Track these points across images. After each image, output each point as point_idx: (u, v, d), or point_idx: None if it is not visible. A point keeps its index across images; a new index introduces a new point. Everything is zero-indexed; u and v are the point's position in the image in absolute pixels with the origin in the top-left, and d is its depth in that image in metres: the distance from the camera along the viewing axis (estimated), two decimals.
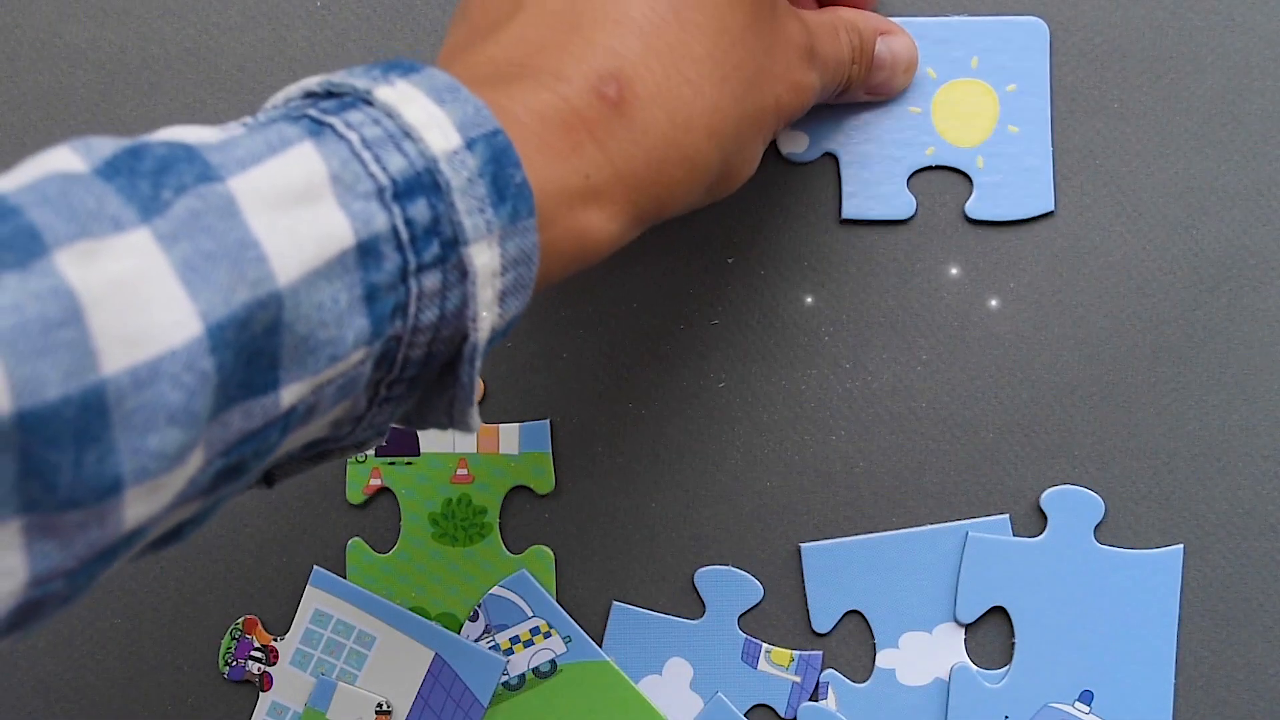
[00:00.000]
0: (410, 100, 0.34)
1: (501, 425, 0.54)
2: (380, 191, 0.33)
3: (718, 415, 0.53)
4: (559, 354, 0.53)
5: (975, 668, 0.53)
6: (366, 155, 0.33)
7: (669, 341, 0.53)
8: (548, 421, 0.54)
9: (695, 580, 0.53)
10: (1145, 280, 0.53)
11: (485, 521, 0.53)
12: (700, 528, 0.53)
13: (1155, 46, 0.53)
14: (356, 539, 0.54)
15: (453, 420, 0.37)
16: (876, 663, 0.53)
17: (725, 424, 0.53)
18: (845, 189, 0.53)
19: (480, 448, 0.54)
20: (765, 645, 0.53)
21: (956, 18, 0.53)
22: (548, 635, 0.53)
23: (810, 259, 0.53)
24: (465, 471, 0.54)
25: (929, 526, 0.53)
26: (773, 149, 0.54)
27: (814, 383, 0.53)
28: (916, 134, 0.53)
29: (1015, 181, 0.53)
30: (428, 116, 0.34)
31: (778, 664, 0.53)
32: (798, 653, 0.53)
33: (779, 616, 0.53)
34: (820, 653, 0.53)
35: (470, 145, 0.34)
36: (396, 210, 0.33)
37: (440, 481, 0.54)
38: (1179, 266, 0.53)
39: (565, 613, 0.53)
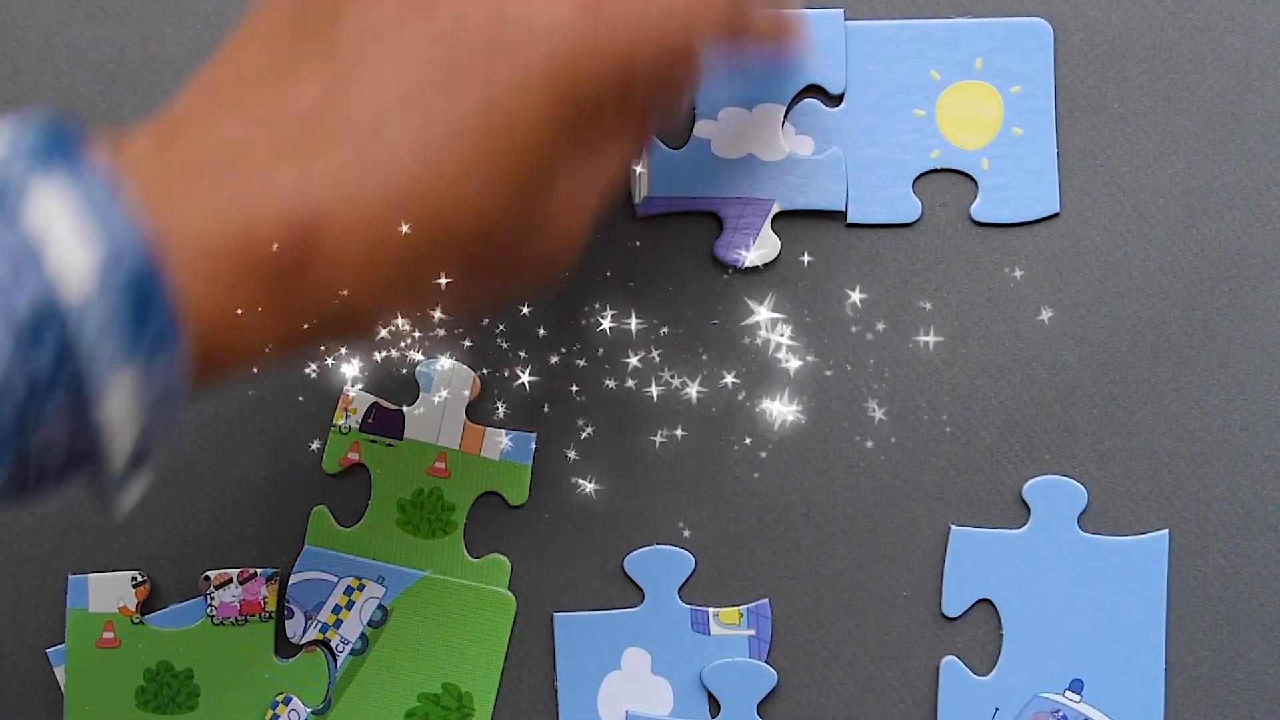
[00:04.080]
0: (55, 217, 0.32)
1: (488, 429, 0.53)
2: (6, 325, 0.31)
3: (718, 416, 0.53)
4: (555, 357, 0.53)
5: (962, 663, 0.52)
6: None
7: (670, 342, 0.53)
8: (534, 436, 0.53)
9: (625, 567, 0.53)
10: (1145, 280, 0.53)
11: (451, 519, 0.53)
12: (699, 528, 0.53)
13: (1156, 46, 0.53)
14: (322, 507, 0.53)
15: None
16: (695, 131, 0.53)
17: (726, 425, 0.53)
18: (850, 193, 0.53)
19: (463, 445, 0.53)
20: (711, 610, 0.53)
21: (960, 19, 0.53)
22: (363, 587, 0.53)
23: (811, 260, 0.53)
24: (443, 466, 0.53)
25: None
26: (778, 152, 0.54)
27: (815, 383, 0.53)
28: (921, 137, 0.53)
29: (1020, 184, 0.53)
30: (71, 237, 0.32)
31: (729, 624, 0.52)
32: (745, 607, 0.53)
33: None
34: (767, 600, 0.52)
35: (111, 278, 0.32)
36: (18, 347, 0.31)
37: (417, 470, 0.53)
38: (1179, 266, 0.53)
39: (363, 558, 0.53)
